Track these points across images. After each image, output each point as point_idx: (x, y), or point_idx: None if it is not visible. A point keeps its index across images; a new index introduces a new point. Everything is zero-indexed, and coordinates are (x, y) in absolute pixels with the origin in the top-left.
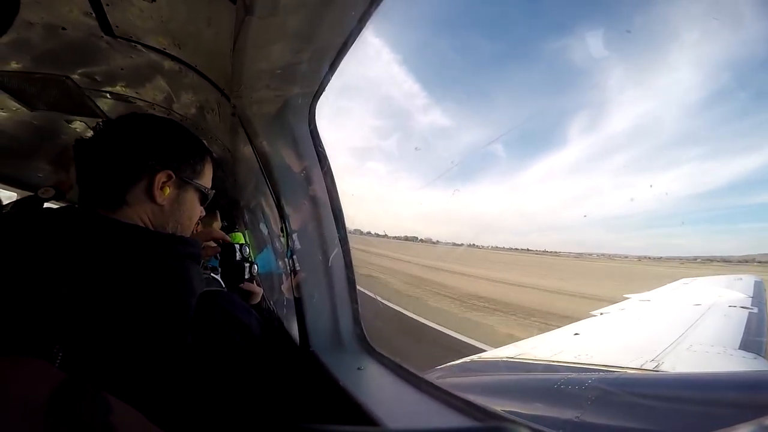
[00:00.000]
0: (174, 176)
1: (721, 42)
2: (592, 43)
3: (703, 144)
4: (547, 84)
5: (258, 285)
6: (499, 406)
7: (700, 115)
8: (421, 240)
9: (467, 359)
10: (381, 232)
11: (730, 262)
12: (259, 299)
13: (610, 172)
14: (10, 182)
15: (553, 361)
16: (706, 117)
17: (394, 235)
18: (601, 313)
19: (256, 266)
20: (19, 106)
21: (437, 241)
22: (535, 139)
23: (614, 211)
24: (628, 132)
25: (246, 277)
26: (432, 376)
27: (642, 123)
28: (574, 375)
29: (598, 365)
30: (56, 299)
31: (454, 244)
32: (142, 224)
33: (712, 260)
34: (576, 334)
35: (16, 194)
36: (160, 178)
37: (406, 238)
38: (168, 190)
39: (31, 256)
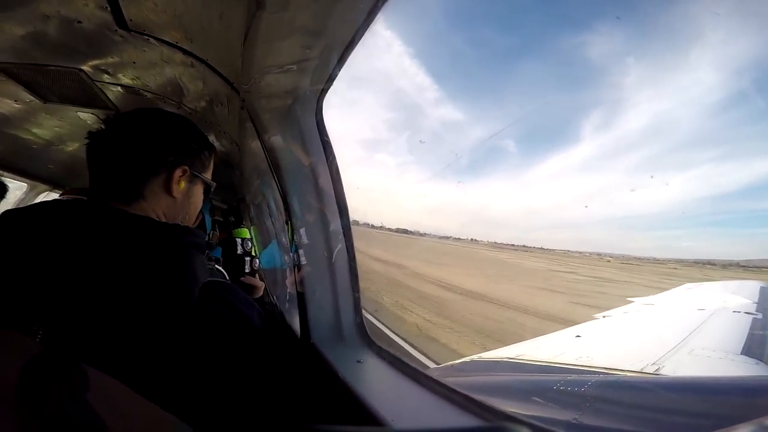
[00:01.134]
0: (188, 171)
1: (744, 43)
2: (610, 40)
3: (719, 146)
4: (561, 80)
5: (261, 279)
6: (497, 405)
7: (718, 116)
8: (410, 233)
9: (467, 359)
10: (378, 224)
11: (715, 265)
12: (261, 293)
13: (621, 172)
14: (22, 173)
15: (554, 363)
16: (724, 119)
17: (388, 227)
18: (604, 316)
19: (257, 260)
20: (32, 98)
21: (425, 233)
22: (546, 135)
23: (621, 211)
24: (642, 132)
25: (246, 270)
26: (431, 374)
27: (656, 123)
28: (574, 377)
29: (599, 368)
30: (48, 281)
31: (440, 237)
32: (156, 217)
33: (698, 263)
34: (578, 336)
35: (26, 184)
36: (178, 173)
37: (398, 230)
38: (183, 184)
39: (40, 243)
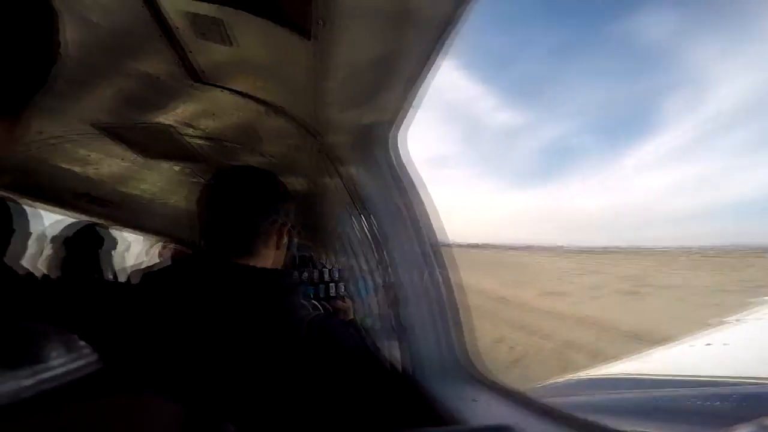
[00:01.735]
0: (290, 228)
1: None
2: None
3: None
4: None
5: (351, 301)
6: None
7: None
8: (479, 246)
9: (574, 377)
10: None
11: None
12: (351, 315)
13: (713, 158)
14: (135, 227)
15: (685, 376)
16: None
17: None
18: (737, 320)
19: (342, 285)
20: (135, 155)
21: (500, 245)
22: (626, 127)
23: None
24: (733, 110)
25: (332, 294)
26: (539, 394)
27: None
28: (715, 390)
29: (746, 378)
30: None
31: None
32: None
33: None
34: (708, 344)
35: (142, 238)
36: (285, 232)
37: (468, 245)
38: (285, 240)
39: (186, 296)
